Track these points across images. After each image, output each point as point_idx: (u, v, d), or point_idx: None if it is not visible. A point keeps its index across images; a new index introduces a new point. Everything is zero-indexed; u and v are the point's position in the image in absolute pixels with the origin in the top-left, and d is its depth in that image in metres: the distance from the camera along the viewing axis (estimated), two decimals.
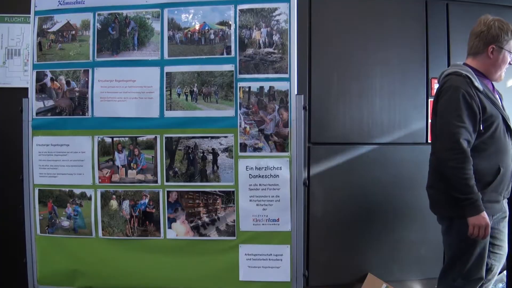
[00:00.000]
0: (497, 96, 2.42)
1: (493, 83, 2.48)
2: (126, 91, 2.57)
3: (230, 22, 2.52)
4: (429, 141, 3.29)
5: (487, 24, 2.34)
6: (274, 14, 2.50)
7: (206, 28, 2.54)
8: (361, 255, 3.26)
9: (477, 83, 2.26)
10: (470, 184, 2.18)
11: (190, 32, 2.55)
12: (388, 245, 3.30)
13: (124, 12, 2.58)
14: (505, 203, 2.43)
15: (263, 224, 2.50)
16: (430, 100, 3.31)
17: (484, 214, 2.19)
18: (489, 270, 2.41)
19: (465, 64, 2.43)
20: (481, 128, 2.22)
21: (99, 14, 2.59)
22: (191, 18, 2.56)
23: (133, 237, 2.58)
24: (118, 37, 2.58)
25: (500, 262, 2.45)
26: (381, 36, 3.24)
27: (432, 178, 2.49)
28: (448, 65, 3.32)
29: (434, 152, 2.43)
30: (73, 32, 2.60)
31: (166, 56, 2.55)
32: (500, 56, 2.34)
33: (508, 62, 2.35)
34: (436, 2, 3.36)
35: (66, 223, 2.62)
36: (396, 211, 3.30)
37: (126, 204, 2.59)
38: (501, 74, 2.40)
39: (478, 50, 2.38)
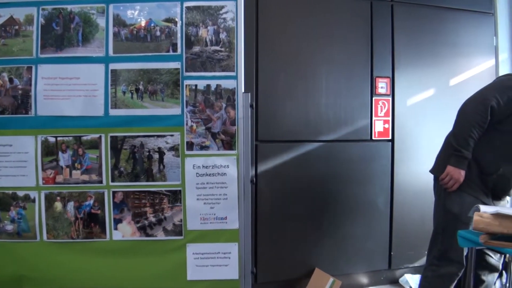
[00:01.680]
0: None
1: None
2: (70, 88, 2.49)
3: (177, 19, 2.49)
4: (373, 138, 3.40)
5: None
6: (221, 12, 2.49)
7: (152, 25, 2.50)
8: (309, 250, 3.29)
9: None
10: (469, 142, 2.32)
11: (135, 29, 2.50)
12: (335, 240, 3.35)
13: (69, 7, 2.50)
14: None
15: (210, 223, 2.49)
16: (375, 98, 3.40)
17: (463, 172, 2.34)
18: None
19: None
20: None
21: (43, 9, 2.50)
22: (137, 15, 2.51)
23: (78, 240, 2.51)
24: (62, 32, 2.50)
25: None
26: (328, 35, 3.28)
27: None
28: (392, 64, 3.43)
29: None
30: (17, 27, 2.50)
31: (111, 53, 2.50)
32: None
33: None
34: (381, 2, 3.42)
35: (9, 227, 2.51)
36: (343, 206, 3.36)
37: (70, 205, 2.51)
38: None
39: None
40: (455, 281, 2.44)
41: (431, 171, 2.59)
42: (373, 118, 3.40)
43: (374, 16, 3.38)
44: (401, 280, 3.54)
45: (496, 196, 2.46)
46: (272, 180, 3.17)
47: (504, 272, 3.24)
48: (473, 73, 3.23)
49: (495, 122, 2.34)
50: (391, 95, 3.44)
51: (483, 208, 2.09)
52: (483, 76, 3.56)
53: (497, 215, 1.98)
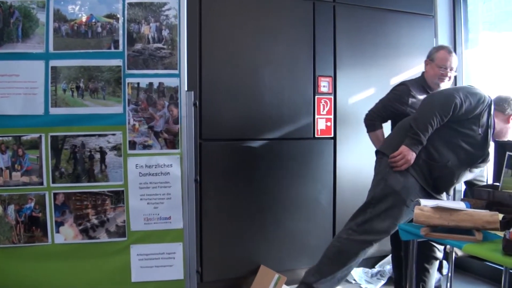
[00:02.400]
0: None
1: None
2: (10, 86, 2.39)
3: (118, 15, 2.43)
4: (316, 136, 3.46)
5: None
6: (163, 9, 2.45)
7: (93, 20, 2.43)
8: (254, 247, 3.31)
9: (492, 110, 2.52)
10: (428, 128, 2.43)
11: (76, 25, 2.43)
12: (280, 237, 3.38)
13: (9, 0, 2.39)
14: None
15: (154, 223, 2.46)
16: (317, 97, 3.45)
17: (414, 155, 2.46)
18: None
19: None
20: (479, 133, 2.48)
21: None
22: (78, 10, 2.44)
23: (20, 245, 2.41)
24: (2, 27, 2.39)
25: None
26: (271, 34, 3.29)
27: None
28: (334, 64, 3.50)
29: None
30: None
31: (51, 49, 2.41)
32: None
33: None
34: (323, 3, 3.47)
35: None
36: (287, 203, 3.39)
37: (11, 209, 2.41)
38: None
39: None
40: (364, 251, 2.55)
41: (382, 150, 2.67)
42: (316, 116, 3.46)
43: (316, 16, 3.43)
44: None
45: (436, 187, 2.56)
46: (217, 179, 3.16)
47: (445, 262, 3.36)
48: (413, 73, 3.32)
49: (454, 121, 2.46)
50: (333, 94, 3.51)
51: (423, 202, 2.16)
52: None
53: (437, 208, 2.04)
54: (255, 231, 3.30)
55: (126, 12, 2.43)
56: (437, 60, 2.95)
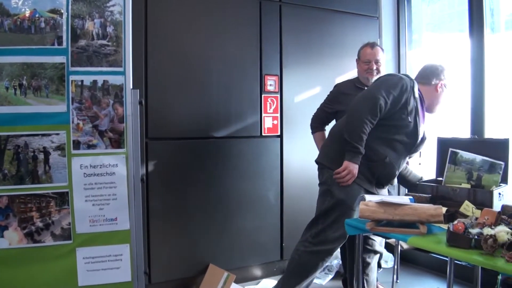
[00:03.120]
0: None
1: None
2: None
3: (62, 11, 2.35)
4: (263, 134, 3.47)
5: None
6: (108, 4, 2.39)
7: (37, 15, 2.35)
8: (203, 247, 3.28)
9: (416, 91, 2.55)
10: (362, 138, 2.45)
11: (19, 19, 2.33)
12: (229, 235, 3.37)
13: None
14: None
15: (100, 225, 2.40)
16: (264, 95, 3.47)
17: (357, 167, 2.47)
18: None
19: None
20: (410, 120, 2.50)
21: None
22: (21, 4, 2.34)
23: None
24: None
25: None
26: (218, 32, 3.28)
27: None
28: (281, 62, 3.53)
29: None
30: None
31: None
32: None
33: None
34: (270, 2, 3.49)
35: None
36: (235, 201, 3.39)
37: None
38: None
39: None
40: (324, 261, 2.59)
41: (321, 161, 2.71)
42: (263, 114, 3.47)
43: (263, 15, 3.44)
44: None
45: (380, 183, 2.61)
46: (164, 178, 3.11)
47: (391, 255, 3.41)
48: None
49: (383, 118, 2.49)
50: (279, 93, 3.54)
51: (368, 197, 2.20)
52: None
53: (382, 203, 2.09)
54: (203, 230, 3.27)
55: (70, 7, 2.35)
56: (361, 56, 3.09)
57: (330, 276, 3.54)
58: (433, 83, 2.59)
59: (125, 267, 2.42)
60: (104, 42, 2.38)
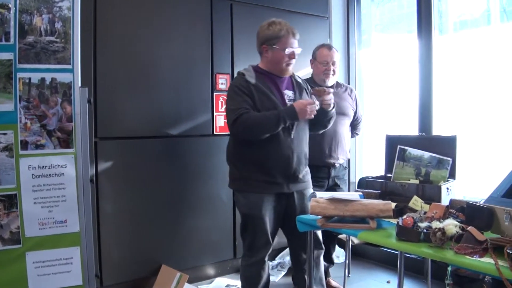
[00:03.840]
0: (283, 91, 2.57)
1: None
2: None
3: (10, 5, 2.26)
4: (215, 133, 3.46)
5: (259, 27, 2.59)
6: (56, 0, 2.31)
7: None
8: (155, 248, 3.24)
9: (250, 79, 2.50)
10: (266, 115, 2.40)
11: None
12: (181, 235, 3.34)
13: None
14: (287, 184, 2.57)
15: (50, 228, 2.33)
16: (215, 94, 3.45)
17: (293, 106, 2.40)
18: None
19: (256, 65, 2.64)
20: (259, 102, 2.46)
21: None
22: None
23: None
24: None
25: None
26: (169, 30, 3.24)
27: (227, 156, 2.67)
28: (232, 61, 3.52)
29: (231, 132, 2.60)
30: None
31: None
32: (271, 53, 2.54)
33: (285, 58, 2.52)
34: (221, 1, 3.48)
35: None
36: (187, 201, 3.36)
37: None
38: (285, 69, 2.57)
39: (259, 51, 2.61)
40: (263, 270, 2.60)
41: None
42: (214, 113, 3.46)
43: (214, 14, 3.43)
44: None
45: (283, 176, 2.51)
46: (114, 179, 3.05)
47: (342, 250, 3.49)
48: (309, 71, 3.36)
49: None
50: None
51: (319, 194, 2.20)
52: None
53: (332, 200, 2.13)
54: (155, 230, 3.23)
55: (18, 1, 2.26)
56: (318, 57, 3.10)
57: (283, 273, 3.57)
58: (261, 51, 2.62)
59: (76, 270, 2.36)
60: (52, 38, 2.30)
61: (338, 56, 3.14)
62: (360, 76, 4.28)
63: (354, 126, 3.35)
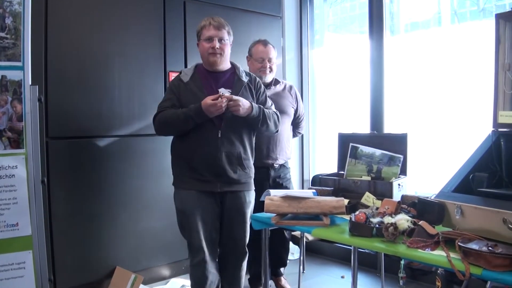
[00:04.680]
0: (217, 89, 2.51)
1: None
2: None
3: None
4: None
5: None
6: None
7: None
8: (109, 250, 3.18)
9: (183, 77, 2.53)
10: (177, 113, 2.41)
11: None
12: (135, 236, 3.29)
13: None
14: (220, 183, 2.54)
15: (1, 231, 2.24)
16: None
17: (200, 104, 2.35)
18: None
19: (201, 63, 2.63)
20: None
21: None
22: None
23: None
24: None
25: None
26: (120, 28, 3.19)
27: None
28: (185, 59, 3.51)
29: None
30: None
31: None
32: (199, 48, 2.58)
33: (207, 49, 2.52)
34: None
35: None
36: (140, 201, 3.31)
37: None
38: (210, 61, 2.54)
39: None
40: (206, 270, 2.53)
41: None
42: None
43: (167, 12, 3.40)
44: None
45: (215, 175, 2.50)
46: (66, 179, 2.98)
47: (297, 247, 3.56)
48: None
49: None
50: None
51: (273, 192, 2.22)
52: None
53: (286, 197, 2.15)
54: (109, 232, 3.17)
55: None
56: (254, 54, 3.05)
57: None
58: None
59: (28, 275, 2.29)
60: (3, 34, 2.22)
61: (274, 53, 3.08)
62: (313, 75, 4.34)
63: (296, 124, 3.25)
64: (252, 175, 2.61)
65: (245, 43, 3.38)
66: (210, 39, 2.49)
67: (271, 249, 3.01)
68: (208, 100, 2.32)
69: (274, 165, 3.04)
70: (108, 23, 3.12)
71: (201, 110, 2.34)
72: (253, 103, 2.48)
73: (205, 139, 2.43)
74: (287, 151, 3.13)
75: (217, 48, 2.48)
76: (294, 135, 3.32)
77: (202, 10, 3.53)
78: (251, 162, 2.60)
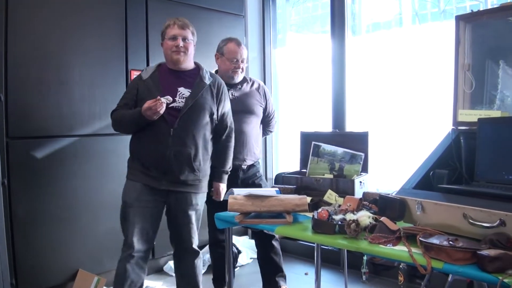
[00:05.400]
0: (177, 88, 2.52)
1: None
2: None
3: None
4: None
5: None
6: None
7: None
8: (71, 252, 3.12)
9: (143, 75, 2.56)
10: (129, 114, 2.47)
11: None
12: (97, 237, 3.24)
13: None
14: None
15: None
16: None
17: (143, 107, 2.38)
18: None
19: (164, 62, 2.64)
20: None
21: None
22: None
23: None
24: None
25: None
26: (81, 26, 3.13)
27: None
28: (147, 57, 3.47)
29: None
30: None
31: None
32: (164, 46, 2.58)
33: (171, 47, 2.52)
34: None
35: None
36: (103, 202, 3.25)
37: None
38: (173, 59, 2.54)
39: None
40: (130, 261, 2.52)
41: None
42: None
43: (128, 10, 3.36)
44: (165, 267, 3.66)
45: (160, 171, 2.50)
46: (27, 180, 2.90)
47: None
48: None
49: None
50: None
51: (236, 191, 2.24)
52: None
53: (249, 196, 2.14)
54: (71, 234, 3.10)
55: None
56: (226, 53, 2.91)
57: (203, 271, 3.53)
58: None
59: None
60: None
61: (246, 53, 3.00)
62: (276, 74, 4.37)
63: (266, 123, 3.15)
64: (204, 178, 2.59)
65: (207, 41, 3.37)
66: (174, 38, 2.49)
67: (264, 258, 3.05)
68: (146, 104, 2.35)
69: (242, 166, 2.95)
70: (69, 21, 3.05)
71: (141, 113, 2.38)
72: (223, 177, 2.70)
73: (156, 136, 2.44)
74: (255, 152, 3.03)
75: (181, 46, 2.49)
76: (265, 134, 3.25)
77: (164, 8, 3.50)
78: (205, 165, 2.58)
